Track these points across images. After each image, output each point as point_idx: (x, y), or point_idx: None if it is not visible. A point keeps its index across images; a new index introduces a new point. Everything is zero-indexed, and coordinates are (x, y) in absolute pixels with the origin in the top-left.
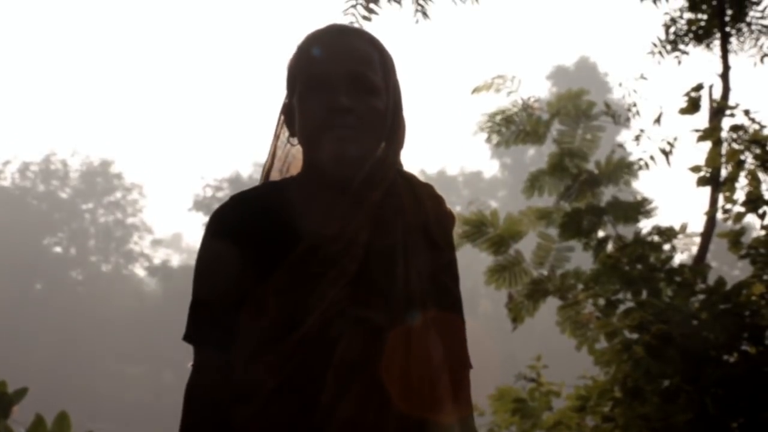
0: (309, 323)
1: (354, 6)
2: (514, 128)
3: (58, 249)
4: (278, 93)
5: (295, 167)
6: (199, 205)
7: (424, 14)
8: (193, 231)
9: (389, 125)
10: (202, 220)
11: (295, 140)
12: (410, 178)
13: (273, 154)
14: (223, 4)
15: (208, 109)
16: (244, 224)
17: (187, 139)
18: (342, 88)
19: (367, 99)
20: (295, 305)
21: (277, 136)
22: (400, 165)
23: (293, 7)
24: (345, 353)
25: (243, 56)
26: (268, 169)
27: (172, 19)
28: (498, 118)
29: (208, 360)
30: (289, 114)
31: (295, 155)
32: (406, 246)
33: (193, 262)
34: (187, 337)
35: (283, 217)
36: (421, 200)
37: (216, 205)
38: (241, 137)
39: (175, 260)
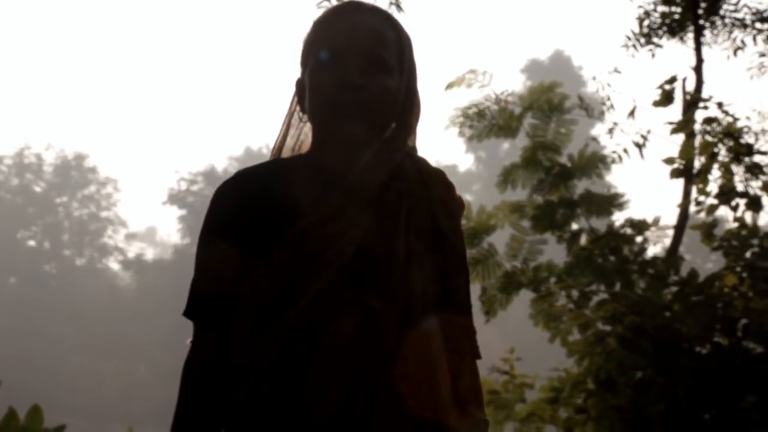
0: (301, 305)
1: (328, 0)
2: (486, 122)
3: (32, 243)
4: (253, 87)
5: (307, 145)
6: (173, 198)
7: (398, 7)
8: (167, 225)
9: (401, 106)
10: (176, 213)
11: (305, 117)
12: (421, 163)
13: (285, 131)
14: None
15: (183, 103)
16: (245, 201)
17: (162, 133)
18: (354, 65)
19: (379, 77)
20: (289, 285)
21: (291, 113)
22: (411, 148)
23: (268, 1)
24: (336, 337)
25: (218, 51)
26: (279, 146)
27: (146, 12)
28: (470, 112)
29: (207, 337)
30: (301, 90)
31: (307, 133)
32: (409, 231)
33: (167, 256)
34: (187, 313)
35: (285, 196)
36: (429, 186)
37: (191, 199)
38: (216, 131)
39: (150, 254)
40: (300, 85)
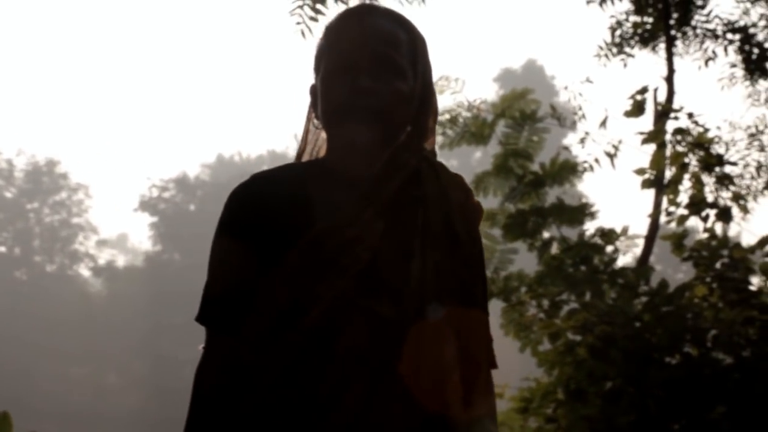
0: (316, 311)
1: (301, 7)
2: (459, 129)
3: (2, 249)
4: (226, 94)
5: (324, 150)
6: (145, 205)
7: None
8: (138, 232)
9: (415, 108)
10: (147, 220)
11: (318, 123)
12: (438, 168)
13: (305, 138)
14: (168, 3)
15: (155, 110)
16: (260, 206)
17: (134, 140)
18: (365, 69)
19: (391, 81)
20: (303, 292)
21: (308, 119)
22: (429, 152)
23: (241, 7)
24: (349, 345)
25: (190, 58)
26: (300, 153)
27: (117, 17)
28: (443, 119)
29: (219, 343)
30: (315, 96)
31: (325, 139)
32: (425, 238)
33: (138, 263)
34: (200, 319)
35: (300, 201)
36: (447, 191)
37: (162, 206)
38: (188, 138)
39: (121, 261)
40: (313, 90)
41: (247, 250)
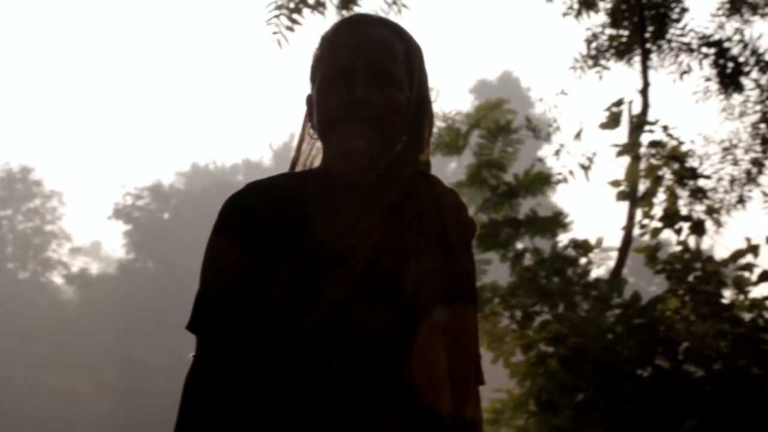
0: (308, 321)
1: (277, 16)
2: (433, 140)
3: None
4: (200, 102)
5: (318, 161)
6: (119, 213)
7: (399, 7)
8: (112, 239)
9: (410, 120)
10: (121, 228)
11: (314, 133)
12: (434, 182)
13: (299, 147)
14: (144, 11)
15: (129, 117)
16: (254, 214)
17: (108, 147)
18: (360, 79)
19: (387, 91)
20: (297, 301)
21: (303, 129)
22: (424, 165)
23: (217, 16)
24: (342, 355)
25: (164, 67)
26: (294, 162)
27: (91, 24)
28: None
29: (210, 352)
30: (310, 106)
31: (320, 148)
32: (420, 252)
33: (111, 270)
34: (191, 327)
35: (295, 210)
36: (442, 206)
37: (136, 214)
38: (163, 146)
39: (94, 268)
40: (309, 101)
41: (240, 258)
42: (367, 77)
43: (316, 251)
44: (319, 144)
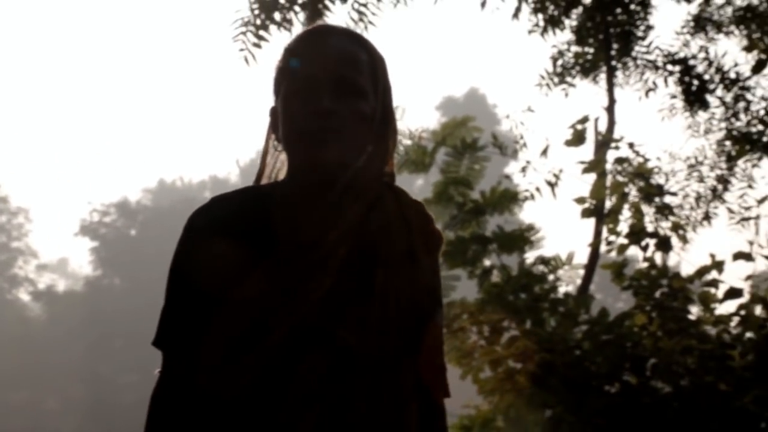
0: (275, 337)
1: (244, 33)
2: (399, 157)
3: None
4: (167, 119)
5: (284, 173)
6: (85, 230)
7: (365, 23)
8: (79, 256)
9: (376, 131)
10: (88, 245)
11: (279, 145)
12: (399, 193)
13: (264, 160)
14: (109, 27)
15: (96, 133)
16: (220, 227)
17: (75, 164)
18: (325, 90)
19: (352, 102)
20: (264, 316)
21: (267, 141)
22: (389, 177)
23: (184, 33)
24: (308, 372)
25: (131, 82)
26: (259, 175)
27: (56, 37)
28: None
29: (176, 367)
30: (275, 118)
31: (284, 161)
32: (388, 264)
33: (78, 287)
34: (156, 343)
35: (260, 223)
36: (409, 218)
37: (103, 231)
38: (130, 162)
39: (61, 285)
40: (274, 113)
41: (206, 272)
42: (333, 88)
43: (284, 265)
44: (283, 156)
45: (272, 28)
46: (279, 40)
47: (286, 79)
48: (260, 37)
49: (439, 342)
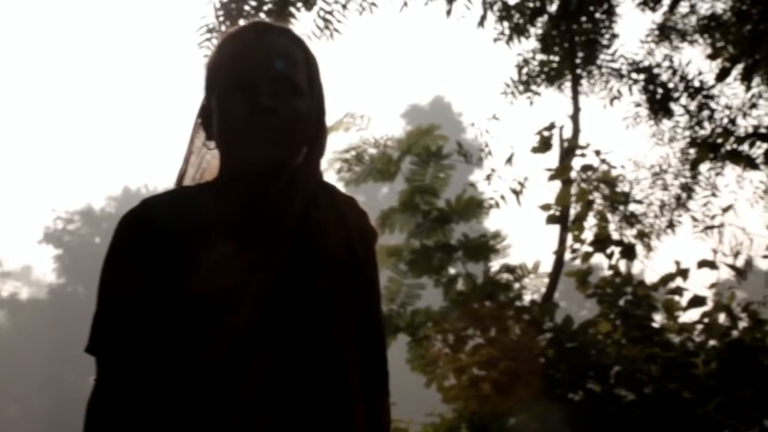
0: (219, 341)
1: (209, 39)
2: (365, 166)
3: None
4: (132, 126)
5: (210, 174)
6: (49, 237)
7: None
8: (43, 264)
9: (313, 130)
10: (52, 252)
11: (212, 144)
12: (333, 191)
13: (187, 160)
14: (74, 30)
15: (60, 140)
16: (151, 230)
17: (39, 171)
18: (264, 88)
19: (291, 100)
20: (206, 319)
21: (192, 141)
22: (321, 175)
23: (147, 36)
24: (255, 374)
25: (96, 88)
26: (181, 176)
27: (20, 41)
28: (349, 155)
29: (112, 374)
30: (206, 116)
31: (210, 161)
32: (327, 262)
33: (42, 295)
34: (90, 349)
35: (196, 224)
36: (344, 214)
37: (67, 238)
38: (94, 169)
39: (24, 293)
40: (204, 110)
41: (138, 276)
42: (272, 86)
43: (223, 267)
44: (209, 156)
45: None
46: None
47: (222, 75)
48: None
49: (382, 339)
